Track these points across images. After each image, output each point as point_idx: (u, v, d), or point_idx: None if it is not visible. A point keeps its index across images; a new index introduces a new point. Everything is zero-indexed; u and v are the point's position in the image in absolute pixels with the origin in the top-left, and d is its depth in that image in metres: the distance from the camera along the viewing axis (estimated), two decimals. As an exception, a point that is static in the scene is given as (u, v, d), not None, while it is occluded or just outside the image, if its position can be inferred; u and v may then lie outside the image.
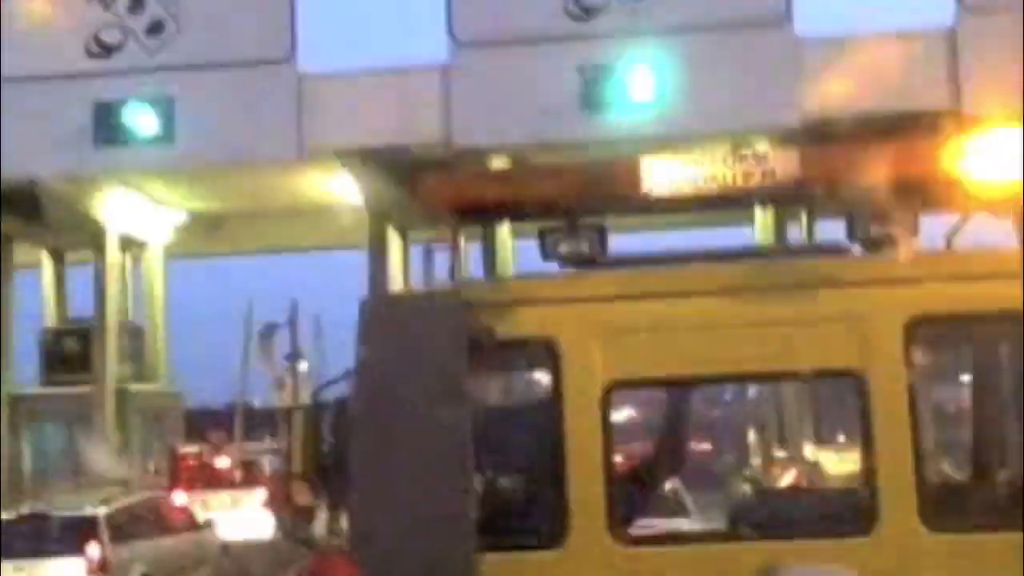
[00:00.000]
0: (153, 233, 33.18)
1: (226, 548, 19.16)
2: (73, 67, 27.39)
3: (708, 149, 6.51)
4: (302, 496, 6.21)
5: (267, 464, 27.05)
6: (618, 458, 6.14)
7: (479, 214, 6.75)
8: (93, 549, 15.65)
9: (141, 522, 17.46)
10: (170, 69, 27.08)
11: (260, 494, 24.28)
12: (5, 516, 17.80)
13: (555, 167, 6.97)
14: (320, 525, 6.43)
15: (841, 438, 16.34)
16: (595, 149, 22.52)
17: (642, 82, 24.02)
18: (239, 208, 32.44)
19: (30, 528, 16.62)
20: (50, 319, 34.49)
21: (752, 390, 15.55)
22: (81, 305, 34.13)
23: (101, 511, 16.41)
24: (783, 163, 6.26)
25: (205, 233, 34.15)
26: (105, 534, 15.93)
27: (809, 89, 23.01)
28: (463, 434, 5.75)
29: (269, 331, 30.20)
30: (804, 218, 21.89)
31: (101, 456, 30.05)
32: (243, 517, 23.29)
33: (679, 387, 6.57)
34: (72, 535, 16.02)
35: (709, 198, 6.43)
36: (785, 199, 7.08)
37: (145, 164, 27.83)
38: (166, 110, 26.94)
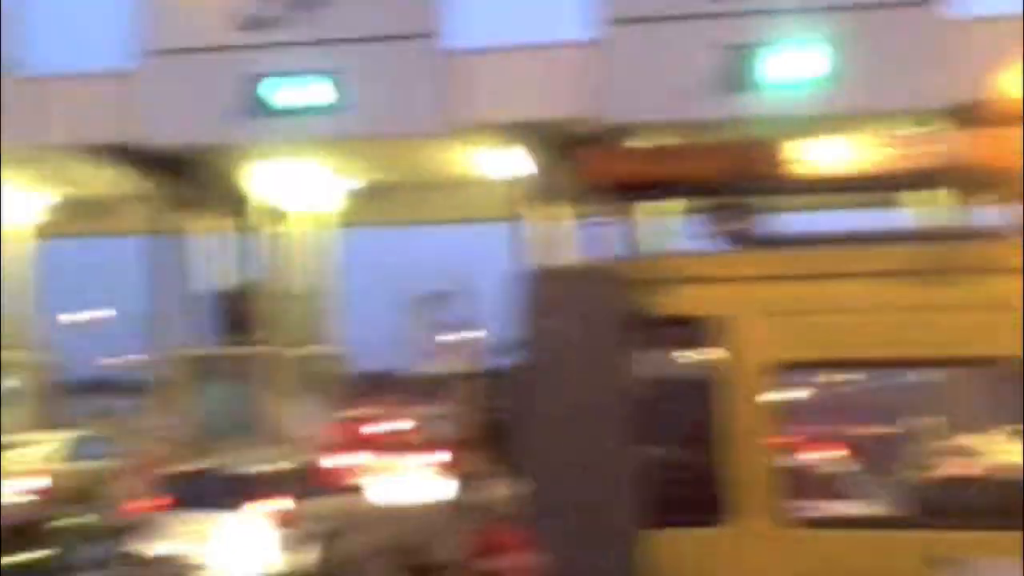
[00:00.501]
0: (321, 202, 33.97)
1: (391, 511, 19.52)
2: (235, 41, 28.18)
3: (867, 129, 6.40)
4: (469, 463, 6.32)
5: (433, 429, 27.48)
6: (782, 439, 6.11)
7: (642, 190, 6.75)
8: (264, 505, 16.20)
9: (311, 481, 17.97)
10: (330, 43, 27.65)
11: (425, 459, 24.69)
12: (183, 469, 18.53)
13: (713, 145, 6.93)
14: (488, 492, 6.55)
15: (1008, 427, 15.77)
16: (739, 127, 22.22)
17: (792, 61, 23.59)
18: (402, 179, 32.99)
19: (207, 482, 17.27)
20: (222, 282, 35.61)
21: (921, 374, 15.16)
22: (251, 271, 35.15)
23: (270, 469, 16.96)
24: (943, 145, 6.13)
25: (371, 202, 34.83)
26: (273, 491, 16.47)
27: (962, 70, 22.22)
28: (623, 408, 5.80)
29: (433, 299, 30.63)
30: (963, 201, 21.13)
31: (286, 416, 31.03)
32: (409, 481, 23.72)
33: (844, 369, 6.49)
34: (246, 491, 16.62)
35: (869, 180, 6.32)
36: (944, 182, 6.89)
37: (307, 134, 28.51)
38: (331, 83, 27.54)
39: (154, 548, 14.66)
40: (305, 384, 33.00)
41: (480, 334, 36.49)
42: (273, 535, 16.08)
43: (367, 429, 30.16)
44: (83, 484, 23.48)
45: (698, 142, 6.94)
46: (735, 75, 24.20)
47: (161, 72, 28.29)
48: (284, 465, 17.54)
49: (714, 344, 5.89)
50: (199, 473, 17.75)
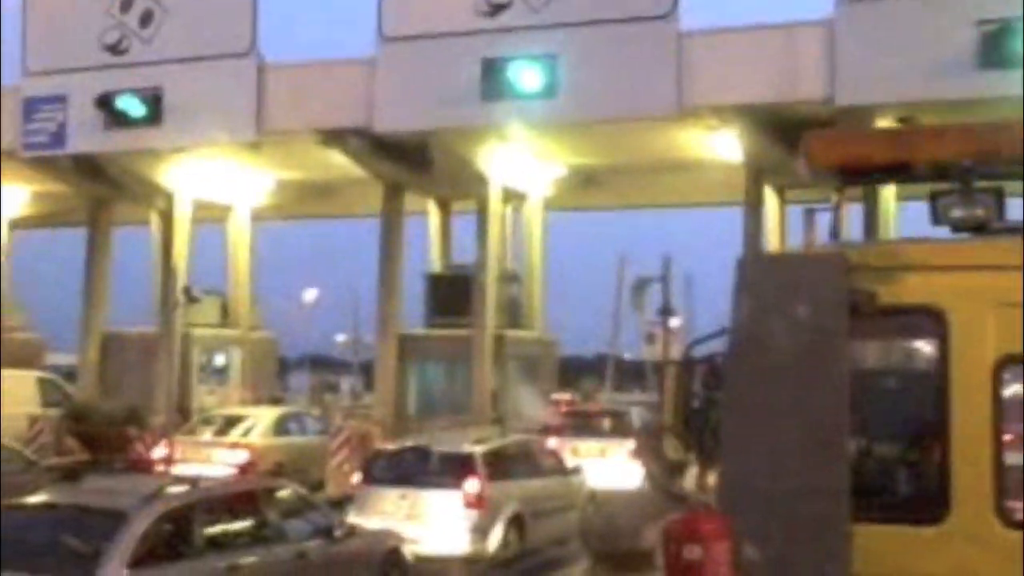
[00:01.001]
0: (533, 185, 34.21)
1: (593, 495, 19.63)
2: (463, 26, 28.59)
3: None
4: (672, 450, 6.25)
5: (636, 416, 27.46)
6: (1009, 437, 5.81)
7: (865, 174, 6.53)
8: (470, 484, 16.43)
9: (514, 462, 18.15)
10: (553, 27, 27.80)
11: (628, 445, 24.67)
12: (392, 447, 18.97)
13: (950, 127, 6.61)
14: (689, 480, 6.46)
15: None
16: (988, 108, 21.23)
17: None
18: (617, 164, 32.92)
19: (414, 460, 17.64)
20: (435, 264, 36.29)
21: None
22: (463, 253, 35.75)
23: (478, 449, 17.21)
24: None
25: (583, 187, 34.90)
26: (482, 471, 16.69)
27: None
28: (840, 398, 5.62)
29: (642, 285, 30.50)
30: None
31: (524, 398, 31.53)
32: (611, 466, 23.75)
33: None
34: (451, 470, 16.90)
35: None
36: None
37: (529, 118, 28.72)
38: (550, 66, 27.69)
39: (368, 523, 15.10)
40: (516, 367, 33.36)
41: (689, 321, 36.20)
42: (467, 516, 16.33)
43: (575, 413, 30.38)
44: (288, 459, 24.32)
45: (934, 123, 6.64)
46: (985, 53, 23.17)
47: (398, 58, 29.11)
48: (490, 446, 17.76)
49: (940, 335, 5.63)
50: (409, 451, 18.15)
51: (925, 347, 6.08)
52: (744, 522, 5.32)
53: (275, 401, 34.39)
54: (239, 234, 37.25)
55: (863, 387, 5.79)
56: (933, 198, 6.04)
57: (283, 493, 13.16)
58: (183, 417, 29.34)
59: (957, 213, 5.95)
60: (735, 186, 29.61)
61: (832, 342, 5.65)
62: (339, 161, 31.41)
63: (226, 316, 36.55)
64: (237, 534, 11.73)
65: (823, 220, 6.94)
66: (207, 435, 25.23)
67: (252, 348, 37.05)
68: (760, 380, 5.74)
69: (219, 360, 36.30)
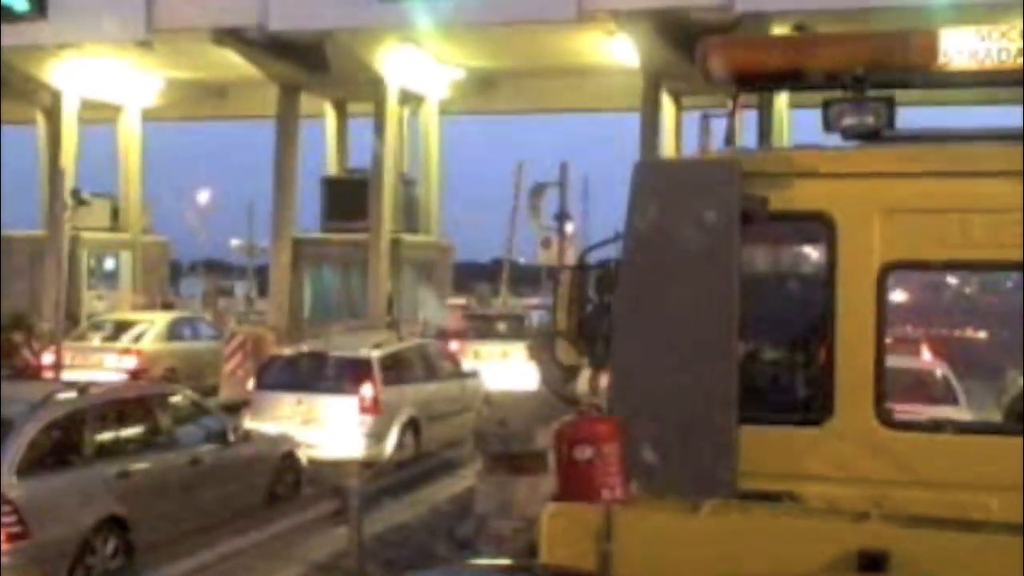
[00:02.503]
0: (431, 88, 33.88)
1: (488, 398, 19.79)
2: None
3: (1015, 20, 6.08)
4: (565, 354, 6.30)
5: (536, 319, 27.70)
6: (891, 340, 5.95)
7: (760, 81, 6.56)
8: (366, 389, 16.44)
9: (410, 367, 18.21)
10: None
11: (524, 349, 24.89)
12: (288, 352, 18.89)
13: (845, 34, 6.66)
14: (582, 383, 6.53)
15: None
16: (882, 17, 21.44)
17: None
18: (515, 67, 32.72)
19: (310, 365, 17.60)
20: (330, 167, 35.89)
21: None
22: (360, 156, 35.42)
23: (375, 354, 17.22)
24: None
25: (480, 91, 34.67)
26: (378, 376, 16.72)
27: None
28: (730, 303, 5.70)
29: (538, 190, 30.45)
30: None
31: (423, 302, 31.44)
32: (513, 368, 23.96)
33: (960, 271, 6.29)
34: (348, 375, 16.91)
35: (1011, 74, 6.03)
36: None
37: (427, 19, 28.35)
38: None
39: (263, 428, 15.10)
40: (412, 271, 33.31)
41: (585, 227, 36.40)
42: (363, 421, 16.40)
43: (476, 316, 30.48)
44: (181, 364, 24.11)
45: (826, 32, 6.65)
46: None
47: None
48: (387, 350, 17.77)
49: (829, 241, 5.73)
50: (305, 356, 18.09)
51: (814, 252, 6.18)
52: (634, 424, 5.39)
53: (167, 306, 33.94)
54: (129, 135, 36.39)
55: (754, 291, 5.88)
56: (825, 106, 6.09)
57: (175, 399, 13.09)
58: (72, 323, 28.83)
59: (848, 121, 6.00)
60: (633, 92, 29.65)
61: (724, 247, 5.70)
62: (233, 61, 30.75)
63: (116, 219, 35.83)
64: (128, 441, 11.66)
65: (719, 126, 6.98)
66: (97, 341, 24.85)
67: (143, 252, 36.44)
68: (652, 285, 5.79)
69: (109, 264, 35.67)
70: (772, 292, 6.38)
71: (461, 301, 35.96)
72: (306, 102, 32.95)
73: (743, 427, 5.61)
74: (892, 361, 5.92)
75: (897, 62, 6.07)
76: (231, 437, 12.89)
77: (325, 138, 35.93)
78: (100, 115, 34.75)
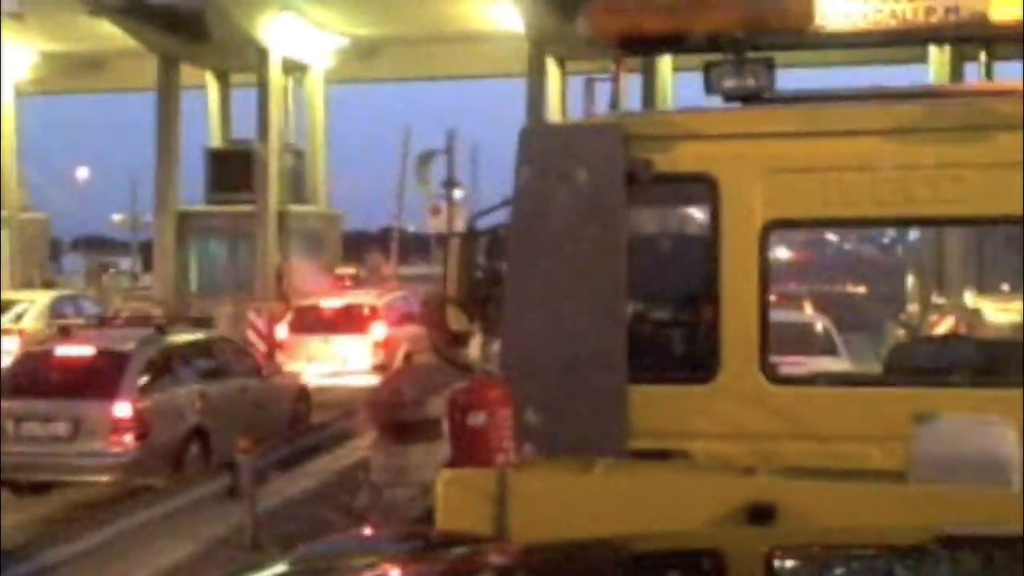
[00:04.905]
0: (314, 57, 33.50)
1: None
2: None
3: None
4: (456, 321, 6.31)
5: (421, 288, 27.59)
6: (775, 297, 6.07)
7: (642, 45, 6.61)
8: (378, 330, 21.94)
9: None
10: None
11: (412, 317, 24.82)
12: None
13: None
14: (473, 349, 6.55)
15: (1005, 287, 15.91)
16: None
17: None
18: (399, 34, 32.52)
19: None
20: (214, 139, 35.34)
21: (914, 235, 15.13)
22: (244, 127, 34.92)
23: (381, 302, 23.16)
24: None
25: (365, 59, 34.40)
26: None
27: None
28: (617, 265, 5.76)
29: (426, 157, 30.36)
30: (983, 58, 20.85)
31: (278, 273, 31.07)
32: (393, 338, 23.84)
33: (840, 228, 6.43)
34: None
35: (885, 33, 6.17)
36: (966, 38, 6.70)
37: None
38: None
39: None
40: (300, 242, 33.01)
41: (474, 193, 36.39)
42: None
43: (359, 285, 30.29)
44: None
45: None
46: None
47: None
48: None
49: (712, 201, 5.81)
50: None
51: (698, 213, 6.27)
52: (525, 389, 5.43)
53: (47, 284, 33.16)
54: (1, 110, 35.39)
55: (640, 253, 5.94)
56: (707, 68, 6.15)
57: (226, 342, 17.13)
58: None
59: (729, 83, 6.07)
60: (519, 57, 29.67)
61: (610, 210, 5.75)
62: (109, 32, 30.05)
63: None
64: (202, 371, 15.12)
65: (603, 91, 7.02)
66: (-26, 322, 24.20)
67: (21, 229, 35.53)
68: (540, 249, 5.82)
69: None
70: (658, 253, 6.46)
71: (351, 270, 35.72)
72: (187, 73, 32.37)
73: (633, 387, 5.68)
74: (776, 317, 6.04)
75: (775, 24, 6.16)
76: (264, 372, 16.71)
77: (207, 109, 35.34)
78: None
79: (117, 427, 13.19)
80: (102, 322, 18.36)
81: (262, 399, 15.85)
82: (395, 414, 11.58)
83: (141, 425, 13.26)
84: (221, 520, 11.79)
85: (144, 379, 13.73)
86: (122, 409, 13.28)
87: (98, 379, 13.63)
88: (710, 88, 6.15)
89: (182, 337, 15.58)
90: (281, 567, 3.10)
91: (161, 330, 15.36)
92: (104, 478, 13.39)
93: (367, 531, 5.03)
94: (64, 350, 14.50)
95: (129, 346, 14.19)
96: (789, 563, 2.86)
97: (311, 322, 22.56)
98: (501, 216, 6.25)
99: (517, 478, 4.94)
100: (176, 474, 13.40)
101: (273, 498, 12.69)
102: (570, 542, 3.03)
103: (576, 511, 4.79)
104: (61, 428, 13.30)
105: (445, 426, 5.40)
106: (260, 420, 15.18)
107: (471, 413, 5.07)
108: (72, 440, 13.20)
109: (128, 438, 13.19)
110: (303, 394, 17.75)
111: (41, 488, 13.88)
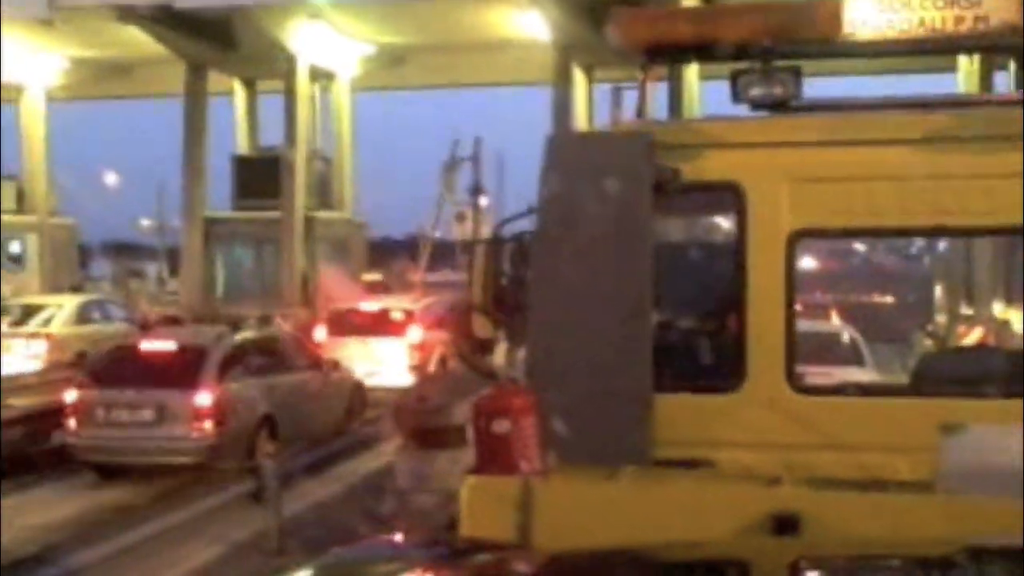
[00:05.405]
0: (341, 65, 33.60)
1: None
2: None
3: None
4: (481, 328, 6.31)
5: (447, 296, 27.63)
6: (800, 306, 6.04)
7: (670, 53, 6.60)
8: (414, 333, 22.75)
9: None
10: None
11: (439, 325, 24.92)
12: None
13: (751, 5, 6.73)
14: (498, 356, 6.55)
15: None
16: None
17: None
18: (424, 42, 32.58)
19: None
20: (241, 146, 35.49)
21: (942, 245, 15.05)
22: (271, 134, 35.05)
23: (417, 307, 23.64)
24: (998, 8, 5.91)
25: (391, 67, 34.47)
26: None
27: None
28: (643, 273, 5.75)
29: (453, 165, 30.44)
30: (1013, 68, 20.69)
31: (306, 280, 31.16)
32: (419, 345, 23.95)
33: (866, 238, 6.40)
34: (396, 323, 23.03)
35: (914, 43, 6.14)
36: (996, 47, 6.67)
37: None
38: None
39: None
40: (326, 249, 33.10)
41: (499, 201, 36.44)
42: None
43: (382, 294, 30.34)
44: (91, 347, 23.66)
45: (733, 3, 6.66)
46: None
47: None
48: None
49: (739, 210, 5.79)
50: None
51: (725, 222, 6.25)
52: (550, 396, 5.43)
53: (75, 289, 33.36)
54: (33, 116, 35.66)
55: (666, 261, 5.93)
56: (734, 77, 6.14)
57: (289, 339, 18.59)
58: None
59: (756, 91, 6.06)
60: (545, 66, 29.68)
61: (636, 218, 5.75)
62: (138, 38, 30.24)
63: (22, 201, 35.10)
64: (270, 364, 16.35)
65: (630, 99, 7.01)
66: (4, 326, 24.34)
67: (50, 234, 35.77)
68: (566, 257, 5.82)
69: (15, 247, 34.94)
70: (685, 262, 6.44)
71: (377, 277, 35.79)
72: (214, 80, 32.52)
73: (658, 396, 5.67)
74: (802, 327, 6.02)
75: (803, 33, 6.15)
76: (324, 368, 17.70)
77: (234, 116, 35.49)
78: (3, 95, 33.99)
79: (198, 414, 14.61)
80: (173, 321, 20.81)
81: (322, 392, 17.14)
82: (421, 420, 11.60)
83: (219, 413, 14.64)
84: (246, 524, 11.86)
85: (221, 371, 15.11)
86: (203, 398, 14.70)
87: (181, 370, 15.00)
88: (737, 97, 6.13)
89: (251, 333, 17.07)
90: (307, 572, 3.10)
91: (234, 327, 16.93)
92: (186, 461, 14.66)
93: (393, 537, 5.04)
94: (149, 344, 16.24)
95: (207, 341, 15.77)
96: (814, 574, 2.85)
97: (349, 325, 23.14)
98: (527, 223, 6.25)
99: (541, 486, 4.93)
100: (249, 459, 14.28)
101: (298, 503, 12.75)
102: (595, 551, 3.03)
103: (600, 520, 4.78)
104: (147, 415, 14.68)
105: (470, 433, 5.40)
106: (321, 411, 16.75)
107: (495, 420, 5.07)
108: (157, 426, 14.64)
109: (208, 424, 14.56)
110: (358, 389, 18.92)
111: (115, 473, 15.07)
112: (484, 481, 5.05)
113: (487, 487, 5.01)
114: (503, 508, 4.90)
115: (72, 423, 14.96)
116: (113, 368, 15.76)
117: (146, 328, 17.94)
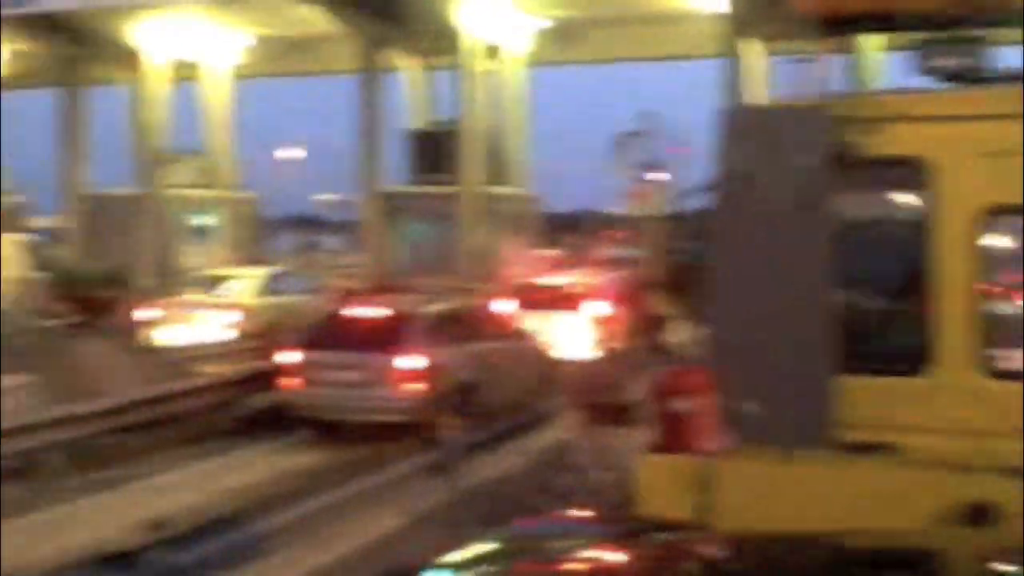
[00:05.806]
0: (515, 39, 33.74)
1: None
2: None
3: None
4: (657, 305, 6.28)
5: (623, 272, 27.58)
6: (991, 286, 5.84)
7: (849, 24, 6.44)
8: (590, 308, 22.62)
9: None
10: None
11: (616, 302, 24.92)
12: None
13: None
14: (672, 334, 6.52)
15: None
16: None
17: None
18: (598, 15, 32.45)
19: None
20: (413, 122, 35.96)
21: None
22: (443, 109, 35.41)
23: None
24: None
25: (564, 40, 34.44)
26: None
27: None
28: (825, 251, 5.63)
29: (626, 139, 30.28)
30: None
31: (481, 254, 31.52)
32: (597, 323, 23.99)
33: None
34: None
35: None
36: None
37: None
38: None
39: None
40: (499, 223, 33.34)
41: (674, 176, 36.17)
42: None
43: (557, 268, 30.43)
44: (279, 317, 24.32)
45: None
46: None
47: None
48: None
49: (924, 186, 5.61)
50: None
51: (909, 198, 6.07)
52: (730, 376, 5.37)
53: (257, 261, 34.37)
54: (217, 93, 36.80)
55: (849, 239, 5.79)
56: (918, 48, 5.96)
57: (484, 309, 19.62)
58: (168, 279, 29.33)
59: (940, 62, 5.87)
60: (717, 38, 29.26)
61: (817, 194, 5.63)
62: (316, 16, 30.89)
63: (208, 177, 36.30)
64: (468, 332, 16.89)
65: (809, 71, 6.87)
66: (196, 296, 25.22)
67: (234, 208, 36.90)
68: (745, 234, 5.73)
69: (201, 221, 36.16)
70: (868, 239, 6.27)
71: (554, 252, 35.74)
72: (400, 56, 33.00)
73: (843, 378, 5.55)
74: (993, 308, 5.82)
75: (988, 2, 5.92)
76: (514, 337, 18.27)
77: (406, 91, 35.97)
78: (188, 73, 35.19)
79: (407, 377, 15.65)
80: (382, 289, 21.73)
81: (517, 360, 17.80)
82: (595, 395, 11.63)
83: (426, 376, 15.60)
84: (426, 495, 12.07)
85: (427, 337, 16.09)
86: (411, 361, 15.70)
87: (390, 336, 16.08)
88: (921, 68, 5.95)
89: (450, 303, 18.04)
90: (488, 545, 3.14)
91: (437, 296, 18.24)
92: (395, 419, 15.43)
93: (572, 513, 5.07)
94: (359, 311, 17.42)
95: (413, 308, 16.88)
96: (1009, 568, 2.75)
97: (533, 299, 23.34)
98: (703, 199, 6.18)
99: (721, 466, 4.90)
100: (452, 420, 14.56)
101: (476, 476, 12.91)
102: (781, 535, 2.99)
103: (784, 503, 4.72)
104: (358, 376, 15.74)
105: (647, 410, 5.39)
106: (516, 377, 17.44)
107: (673, 399, 5.06)
108: (368, 387, 15.72)
109: (416, 386, 15.54)
110: (549, 359, 19.29)
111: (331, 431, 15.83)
112: (660, 459, 5.04)
113: (663, 465, 5.01)
114: (680, 487, 4.88)
115: (292, 382, 16.08)
116: (329, 332, 16.75)
117: (350, 297, 18.78)
